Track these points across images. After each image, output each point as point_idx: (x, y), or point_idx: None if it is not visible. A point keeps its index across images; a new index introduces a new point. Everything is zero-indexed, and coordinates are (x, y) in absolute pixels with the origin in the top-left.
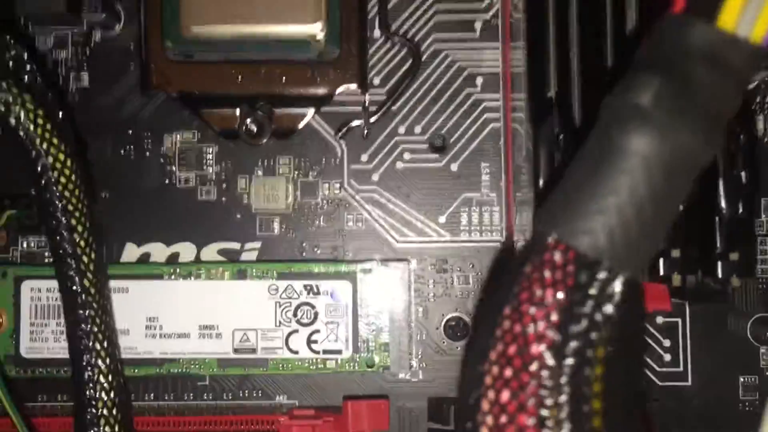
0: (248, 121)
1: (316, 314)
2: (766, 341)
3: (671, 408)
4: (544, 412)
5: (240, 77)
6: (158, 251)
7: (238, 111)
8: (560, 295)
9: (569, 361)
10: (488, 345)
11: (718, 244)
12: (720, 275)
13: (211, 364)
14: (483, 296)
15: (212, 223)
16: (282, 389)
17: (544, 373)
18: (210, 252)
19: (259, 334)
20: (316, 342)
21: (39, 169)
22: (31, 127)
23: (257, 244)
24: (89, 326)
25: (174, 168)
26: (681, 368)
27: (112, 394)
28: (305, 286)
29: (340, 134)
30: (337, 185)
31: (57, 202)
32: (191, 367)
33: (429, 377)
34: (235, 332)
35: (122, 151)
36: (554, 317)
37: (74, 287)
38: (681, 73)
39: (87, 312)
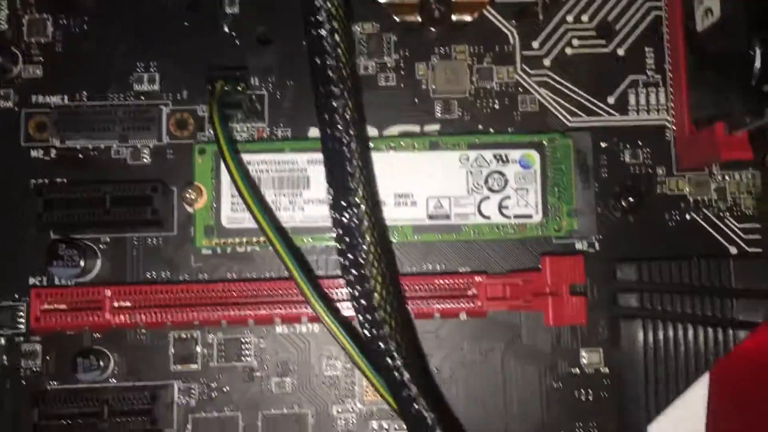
0: (427, 10)
1: (506, 181)
2: None
3: None
4: None
5: None
6: None
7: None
8: None
9: None
10: None
11: None
12: None
13: (406, 230)
14: None
15: (392, 107)
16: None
17: None
18: (391, 134)
19: (452, 201)
20: (507, 207)
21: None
22: None
23: (436, 126)
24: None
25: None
26: None
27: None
28: (495, 156)
29: (515, 21)
30: (511, 70)
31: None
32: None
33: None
34: (429, 200)
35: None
36: None
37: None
38: None
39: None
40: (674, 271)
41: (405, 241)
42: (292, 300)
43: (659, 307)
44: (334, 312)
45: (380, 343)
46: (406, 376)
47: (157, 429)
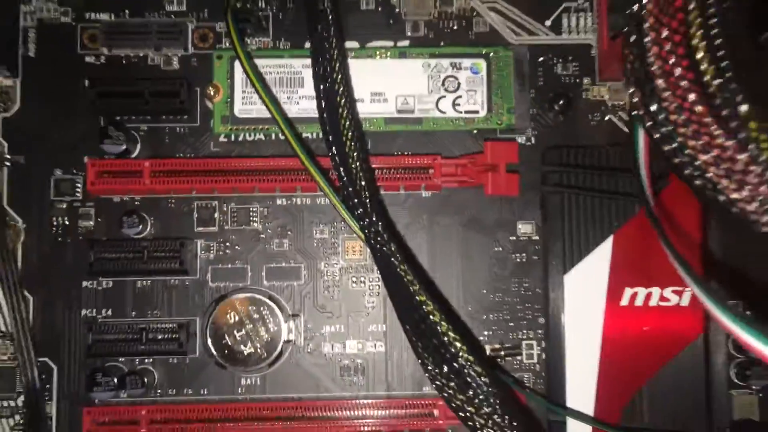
0: None
1: (459, 84)
2: None
3: None
4: None
5: None
6: None
7: None
8: None
9: None
10: None
11: None
12: None
13: (379, 122)
14: None
15: (371, 27)
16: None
17: None
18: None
19: (416, 99)
20: (459, 105)
21: None
22: None
23: (406, 43)
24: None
25: None
26: None
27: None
28: (451, 63)
29: None
30: None
31: None
32: (364, 124)
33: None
34: (397, 97)
35: None
36: None
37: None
38: None
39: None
40: (590, 155)
41: (378, 131)
42: (289, 175)
43: (577, 184)
44: (320, 169)
45: (349, 184)
46: (368, 206)
47: (183, 270)
